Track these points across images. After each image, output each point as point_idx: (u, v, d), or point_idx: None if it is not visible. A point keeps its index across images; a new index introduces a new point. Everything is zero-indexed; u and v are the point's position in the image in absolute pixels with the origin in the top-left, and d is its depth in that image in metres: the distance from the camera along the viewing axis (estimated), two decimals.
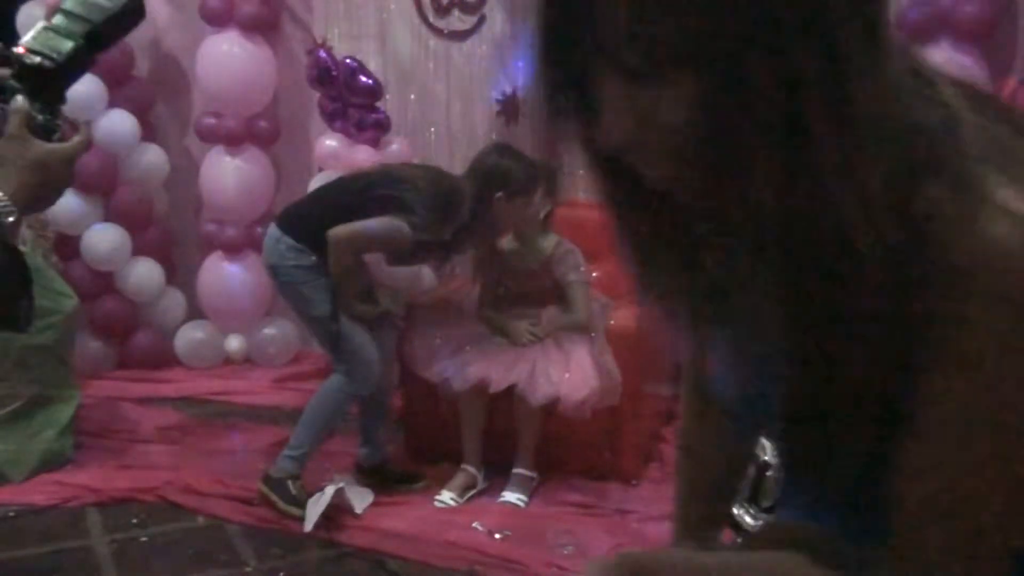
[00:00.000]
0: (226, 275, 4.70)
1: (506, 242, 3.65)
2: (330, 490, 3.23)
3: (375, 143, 4.23)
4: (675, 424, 4.16)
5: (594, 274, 3.62)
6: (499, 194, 3.34)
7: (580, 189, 4.23)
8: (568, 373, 3.36)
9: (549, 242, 3.61)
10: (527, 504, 3.39)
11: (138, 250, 4.62)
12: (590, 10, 0.75)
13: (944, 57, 3.38)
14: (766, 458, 2.26)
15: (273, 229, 3.32)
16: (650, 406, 3.79)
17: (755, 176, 0.75)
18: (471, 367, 3.40)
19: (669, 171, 0.81)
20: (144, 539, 3.14)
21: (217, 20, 4.49)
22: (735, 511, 2.31)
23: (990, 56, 3.45)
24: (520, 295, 3.64)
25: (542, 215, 3.59)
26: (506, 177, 3.34)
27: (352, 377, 3.33)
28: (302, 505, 3.25)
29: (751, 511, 2.29)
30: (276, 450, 3.47)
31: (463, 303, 3.85)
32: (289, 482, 3.32)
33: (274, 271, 3.34)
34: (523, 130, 4.47)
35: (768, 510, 2.24)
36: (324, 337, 3.37)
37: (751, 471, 2.30)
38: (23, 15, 4.28)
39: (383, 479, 3.52)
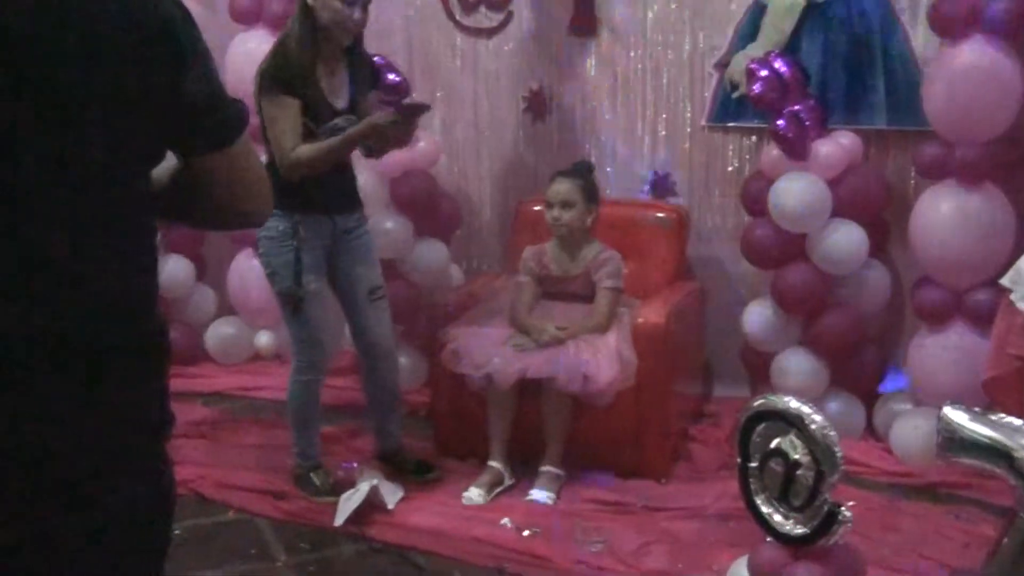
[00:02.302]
0: (256, 271, 4.70)
1: (549, 248, 3.67)
2: (364, 487, 3.26)
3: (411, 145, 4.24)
4: (703, 422, 4.21)
5: (623, 271, 3.63)
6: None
7: (607, 187, 4.25)
8: (595, 358, 3.37)
9: (593, 249, 3.62)
10: (555, 502, 3.39)
11: (169, 246, 4.65)
12: None
13: (976, 53, 3.35)
14: (796, 456, 2.26)
15: None
16: (678, 404, 3.79)
17: None
18: (513, 364, 3.41)
19: None
20: (176, 532, 3.15)
21: (246, 19, 4.51)
22: (765, 510, 2.32)
23: (1023, 51, 3.41)
24: (554, 293, 3.66)
25: (588, 223, 3.61)
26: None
27: (300, 360, 3.35)
28: (330, 492, 3.34)
29: (781, 509, 2.30)
30: None
31: (491, 302, 3.86)
32: (311, 475, 3.42)
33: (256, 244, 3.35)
34: (550, 127, 4.47)
35: (799, 508, 2.25)
36: (284, 313, 3.34)
37: (780, 469, 2.30)
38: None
39: (397, 468, 3.54)
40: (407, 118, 3.14)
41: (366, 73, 3.28)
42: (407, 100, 3.52)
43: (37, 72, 1.14)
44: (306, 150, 3.05)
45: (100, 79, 1.19)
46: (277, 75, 3.08)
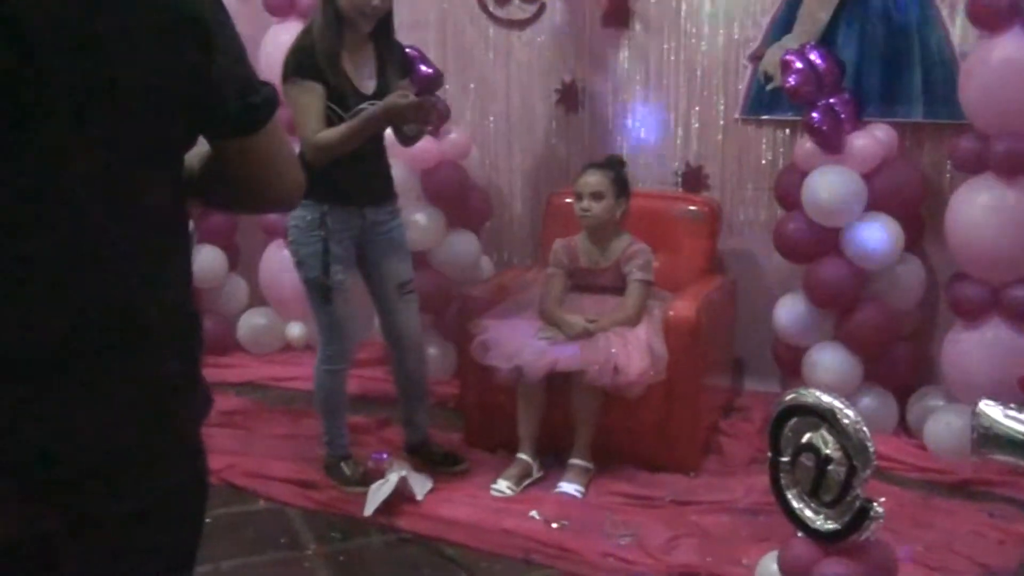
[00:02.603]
0: (288, 262, 4.71)
1: (579, 241, 3.66)
2: (393, 478, 3.27)
3: (435, 132, 4.25)
4: (734, 416, 4.19)
5: (653, 264, 3.61)
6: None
7: (639, 180, 4.23)
8: (625, 350, 3.36)
9: (623, 242, 3.61)
10: (584, 495, 3.39)
11: (202, 237, 4.69)
12: None
13: (1015, 45, 3.30)
14: (828, 452, 2.25)
15: None
16: (708, 398, 3.77)
17: None
18: (543, 356, 3.41)
19: None
20: (207, 521, 3.18)
21: (280, 11, 4.53)
22: (796, 505, 2.30)
23: None
24: (584, 286, 3.65)
25: (618, 215, 3.60)
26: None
27: (326, 350, 3.36)
28: (360, 482, 3.36)
29: (812, 505, 2.28)
30: None
31: (521, 294, 3.85)
32: (341, 464, 3.45)
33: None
34: (582, 119, 4.46)
35: (830, 504, 2.23)
36: (311, 303, 3.35)
37: (812, 464, 2.28)
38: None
39: (425, 460, 3.55)
40: (425, 96, 3.12)
41: (395, 59, 3.27)
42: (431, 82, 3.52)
43: (69, 59, 1.15)
44: (326, 134, 3.04)
45: (132, 64, 1.19)
46: (301, 61, 3.09)
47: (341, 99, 3.09)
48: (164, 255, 1.30)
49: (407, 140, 3.41)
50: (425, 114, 3.15)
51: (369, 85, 3.17)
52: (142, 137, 1.23)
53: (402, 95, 3.06)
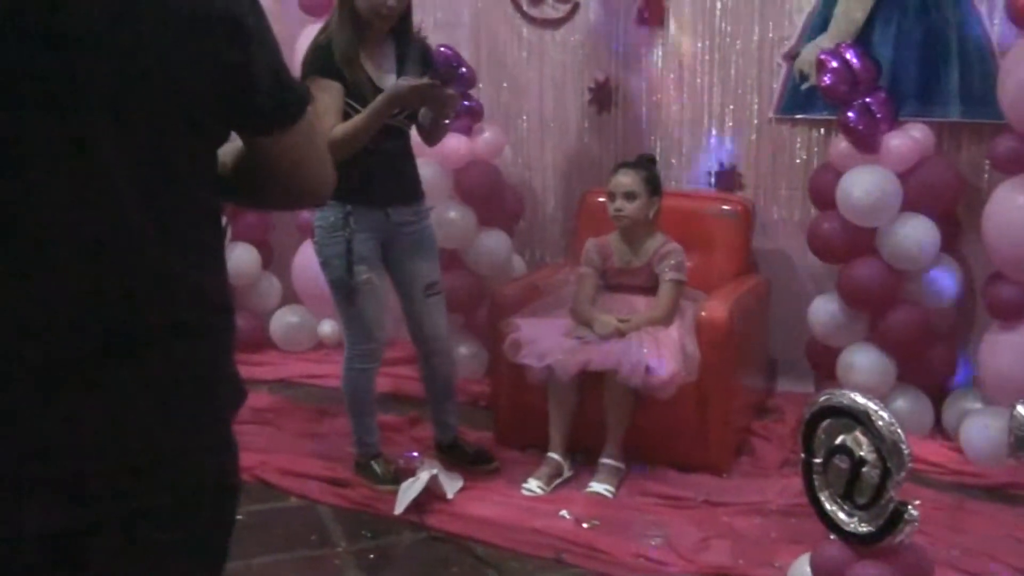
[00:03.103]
0: None
1: (612, 240, 3.65)
2: (424, 476, 3.27)
3: (467, 131, 4.25)
4: (767, 417, 4.15)
5: (686, 264, 3.60)
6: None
7: (672, 179, 4.22)
8: (657, 350, 3.35)
9: (656, 242, 3.60)
10: (615, 495, 3.38)
11: (236, 235, 4.72)
12: None
13: None
14: (862, 453, 2.22)
15: None
16: (741, 398, 3.75)
17: None
18: (575, 356, 3.40)
19: None
20: (239, 517, 3.20)
21: (315, 10, 4.55)
22: (829, 507, 2.28)
23: None
24: (617, 285, 3.65)
25: (651, 215, 3.59)
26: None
27: (352, 349, 3.36)
28: (391, 480, 3.37)
29: (845, 507, 2.26)
30: None
31: (553, 293, 3.85)
32: (372, 463, 3.45)
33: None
34: (615, 118, 4.45)
35: (863, 507, 2.21)
36: (336, 303, 3.35)
37: (845, 467, 2.26)
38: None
39: (456, 458, 3.56)
40: (433, 81, 3.10)
41: (415, 55, 3.27)
42: (444, 73, 3.50)
43: (104, 52, 1.17)
44: (340, 128, 3.02)
45: (167, 59, 1.21)
46: (319, 60, 3.09)
47: (360, 96, 3.09)
48: (199, 248, 1.31)
49: (429, 137, 3.38)
50: (437, 101, 3.12)
51: (388, 81, 3.16)
52: (177, 131, 1.24)
53: (408, 79, 3.05)
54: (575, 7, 4.43)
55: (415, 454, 3.59)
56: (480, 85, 4.44)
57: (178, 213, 1.26)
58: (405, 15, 3.20)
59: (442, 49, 4.17)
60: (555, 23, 4.49)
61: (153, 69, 1.20)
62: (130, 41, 1.18)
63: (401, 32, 3.22)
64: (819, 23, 3.99)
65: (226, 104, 1.28)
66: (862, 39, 3.84)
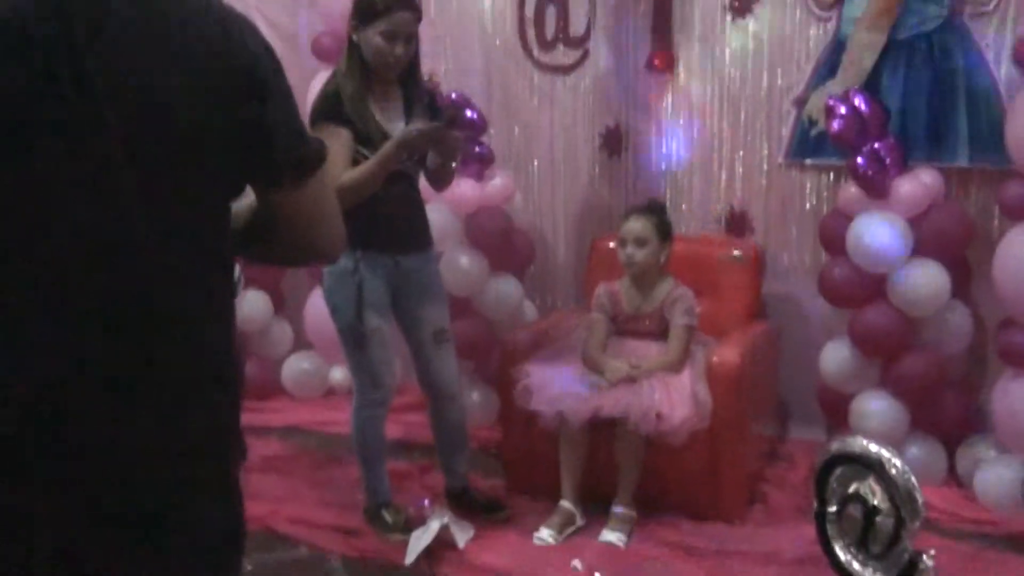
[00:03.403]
0: None
1: (623, 285, 3.65)
2: (435, 525, 3.25)
3: (478, 176, 4.27)
4: (779, 465, 4.11)
5: (697, 309, 3.59)
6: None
7: (683, 224, 4.22)
8: (668, 397, 3.34)
9: (666, 287, 3.60)
10: (627, 543, 3.35)
11: (248, 281, 4.73)
12: None
13: None
14: (875, 502, 2.20)
15: None
16: (753, 445, 3.73)
17: None
18: (586, 402, 3.39)
19: None
20: (248, 568, 3.19)
21: (327, 56, 4.60)
22: (843, 557, 2.26)
23: None
24: (627, 331, 3.64)
25: (662, 261, 3.59)
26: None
27: (362, 397, 3.35)
28: (401, 529, 3.35)
29: (860, 557, 2.24)
30: None
31: (564, 339, 3.84)
32: (382, 511, 3.43)
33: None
34: (625, 164, 4.47)
35: (878, 556, 2.18)
36: (346, 350, 3.34)
37: (859, 515, 2.24)
38: None
39: (467, 506, 3.53)
40: (439, 124, 3.12)
41: (423, 102, 3.30)
42: (447, 114, 3.52)
43: (132, 105, 1.18)
44: (348, 175, 3.02)
45: (192, 111, 1.22)
46: (328, 107, 3.11)
47: (370, 142, 3.10)
48: (212, 297, 1.31)
49: (437, 182, 3.39)
50: (444, 145, 3.13)
51: (396, 127, 3.18)
52: (195, 181, 1.25)
53: (414, 126, 3.07)
54: (585, 54, 4.46)
55: (426, 502, 3.57)
56: (491, 131, 4.47)
57: (193, 263, 1.27)
58: (412, 63, 3.22)
59: (453, 96, 4.20)
60: (566, 69, 4.52)
61: (174, 119, 1.21)
62: (154, 91, 1.20)
63: (408, 79, 3.25)
64: (827, 69, 4.01)
65: (243, 156, 1.29)
66: (870, 85, 3.86)
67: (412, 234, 3.34)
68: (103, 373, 1.21)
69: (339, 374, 4.85)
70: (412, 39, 3.16)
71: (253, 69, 1.28)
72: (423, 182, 3.39)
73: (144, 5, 1.21)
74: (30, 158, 1.16)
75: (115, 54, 1.18)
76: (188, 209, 1.26)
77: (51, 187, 1.17)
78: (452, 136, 3.13)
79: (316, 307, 4.80)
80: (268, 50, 1.32)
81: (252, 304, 4.74)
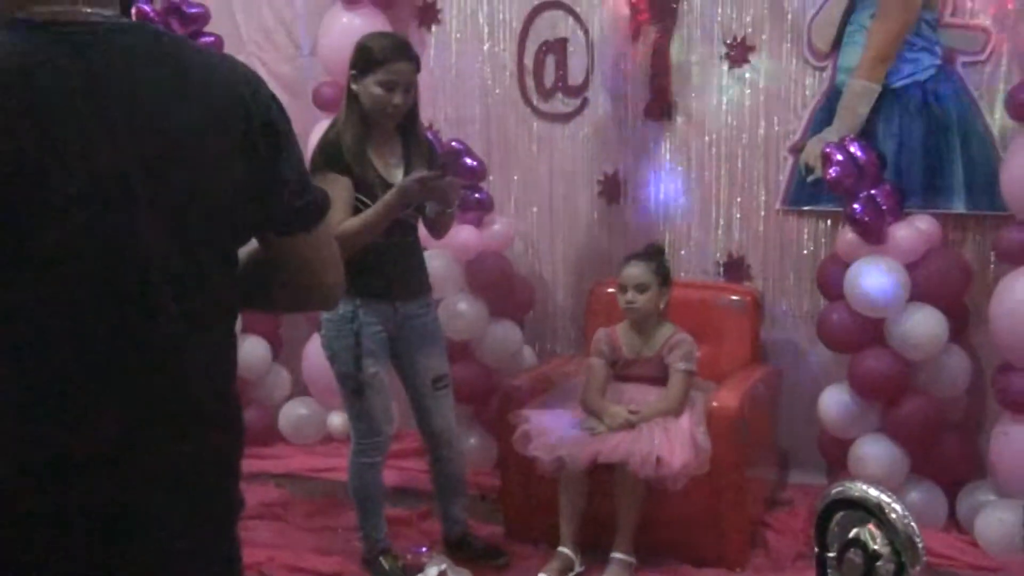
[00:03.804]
0: None
1: (622, 330, 3.66)
2: (433, 572, 3.26)
3: (478, 223, 4.30)
4: (779, 510, 4.10)
5: (696, 354, 3.60)
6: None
7: (681, 270, 4.24)
8: (668, 441, 3.33)
9: (665, 332, 3.61)
10: None
11: (246, 327, 4.74)
12: None
13: None
14: (876, 547, 2.20)
15: None
16: (753, 491, 3.72)
17: None
18: (586, 447, 3.39)
19: None
20: None
21: (329, 106, 4.64)
22: None
23: None
24: (627, 376, 3.65)
25: (661, 306, 3.61)
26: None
27: (360, 444, 3.33)
28: None
29: None
30: None
31: (563, 385, 3.85)
32: (380, 558, 3.42)
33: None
34: (624, 210, 4.50)
35: None
36: (344, 397, 3.34)
37: (860, 561, 2.23)
38: None
39: (465, 553, 3.52)
40: (437, 172, 3.13)
41: (422, 150, 3.33)
42: (442, 159, 3.54)
43: (154, 154, 1.21)
44: (348, 223, 3.03)
45: (207, 158, 1.25)
46: (328, 155, 3.13)
47: (369, 190, 3.12)
48: (218, 344, 1.33)
49: (434, 229, 3.40)
50: (442, 192, 3.14)
51: (396, 175, 3.20)
52: (208, 228, 1.27)
53: (415, 175, 3.08)
54: (584, 102, 4.51)
55: (423, 549, 3.55)
56: (491, 178, 4.50)
57: (205, 311, 1.29)
58: (411, 112, 3.26)
59: (453, 143, 4.24)
60: (565, 117, 4.56)
61: (190, 165, 1.24)
62: (174, 139, 1.23)
63: (407, 128, 3.28)
64: (824, 117, 4.05)
65: (255, 203, 1.32)
66: (866, 133, 3.90)
67: (411, 281, 3.36)
68: (112, 416, 1.21)
69: (337, 420, 4.84)
70: (411, 88, 3.19)
71: (269, 119, 1.32)
72: (422, 229, 3.41)
73: (167, 61, 1.25)
74: (48, 220, 1.18)
75: (137, 105, 1.21)
76: (201, 255, 1.28)
77: (67, 237, 1.18)
78: (451, 183, 3.15)
79: (314, 353, 4.80)
80: (277, 100, 1.36)
81: (250, 350, 4.74)
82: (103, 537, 1.21)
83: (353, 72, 3.17)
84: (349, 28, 4.31)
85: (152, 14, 4.29)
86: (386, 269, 3.21)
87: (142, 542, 1.24)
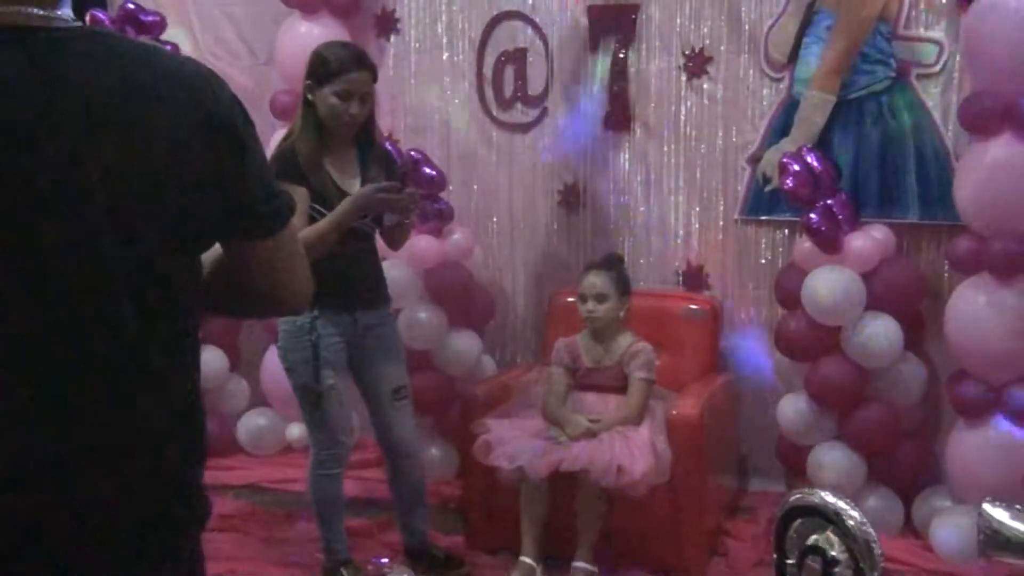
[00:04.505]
0: None
1: (582, 340, 3.67)
2: None
3: (437, 233, 4.30)
4: (739, 517, 4.13)
5: (656, 363, 3.62)
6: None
7: (640, 279, 4.26)
8: (629, 450, 3.34)
9: (625, 341, 3.62)
10: None
11: (204, 338, 4.69)
12: None
13: (1007, 148, 3.36)
14: (834, 554, 2.21)
15: None
16: (713, 498, 3.74)
17: None
18: (546, 457, 3.39)
19: None
20: None
21: (287, 115, 4.61)
22: None
23: None
24: (587, 385, 3.65)
25: (621, 315, 3.62)
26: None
27: (319, 455, 3.31)
28: None
29: None
30: None
31: (524, 394, 3.85)
32: (341, 569, 3.39)
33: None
34: (583, 220, 4.51)
35: None
36: (302, 408, 3.31)
37: (818, 567, 2.24)
38: None
39: (426, 563, 3.51)
40: (395, 183, 3.13)
41: (379, 159, 3.31)
42: (400, 169, 3.54)
43: (116, 158, 1.20)
44: (304, 232, 2.98)
45: (173, 164, 1.24)
46: (284, 165, 3.09)
47: (325, 200, 3.10)
48: (182, 352, 1.32)
49: (391, 240, 3.40)
50: (400, 202, 3.13)
51: (352, 185, 3.18)
52: (173, 234, 1.26)
53: (371, 185, 3.08)
54: (544, 112, 4.52)
55: (384, 560, 3.53)
56: (450, 187, 4.50)
57: (171, 322, 1.27)
58: (367, 122, 3.24)
59: (412, 153, 4.24)
60: (524, 127, 4.57)
61: (151, 170, 1.23)
62: (136, 145, 1.21)
63: (364, 138, 3.27)
64: (780, 128, 4.09)
65: (218, 208, 1.30)
66: (822, 143, 3.95)
67: (369, 291, 3.34)
68: (75, 431, 1.20)
69: (296, 431, 4.80)
70: (367, 98, 3.18)
71: (232, 123, 1.31)
72: (379, 240, 3.40)
73: (127, 65, 1.23)
74: (15, 219, 1.16)
75: (95, 111, 1.19)
76: (164, 260, 1.26)
77: (32, 243, 1.17)
78: (408, 193, 3.15)
79: (273, 363, 4.75)
80: (240, 104, 1.35)
81: (208, 360, 4.69)
82: (60, 554, 1.20)
83: (309, 82, 3.15)
84: (307, 37, 4.29)
85: (107, 22, 4.25)
86: (344, 279, 3.18)
87: (98, 560, 1.22)
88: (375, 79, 3.21)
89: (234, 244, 1.38)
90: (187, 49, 4.49)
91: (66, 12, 1.24)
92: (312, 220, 3.07)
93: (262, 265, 1.39)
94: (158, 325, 1.26)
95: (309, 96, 3.16)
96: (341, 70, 3.10)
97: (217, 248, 1.38)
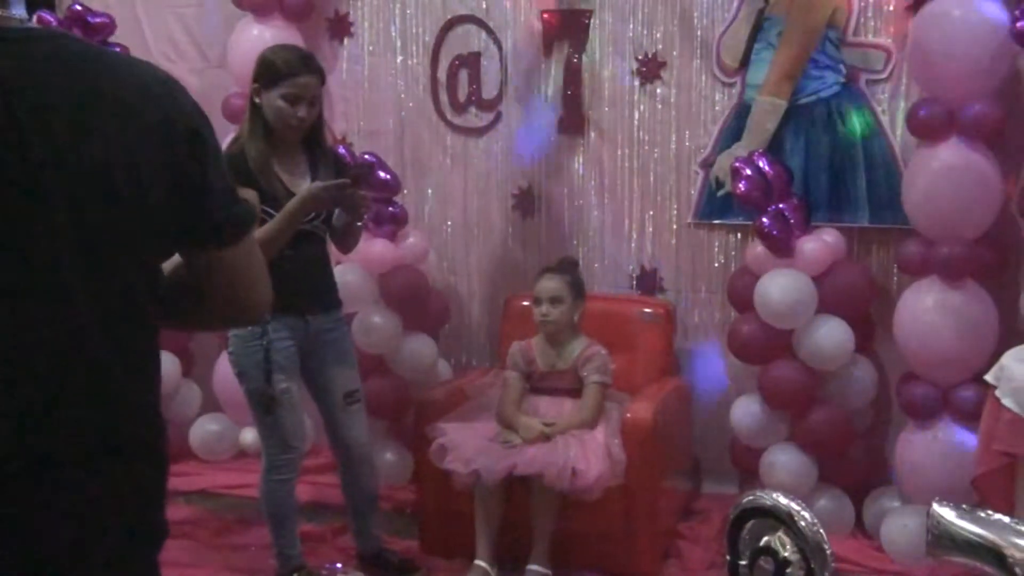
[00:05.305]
0: None
1: (537, 344, 3.68)
2: None
3: (392, 236, 4.28)
4: (693, 519, 4.15)
5: (610, 366, 3.63)
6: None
7: (595, 283, 4.28)
8: (583, 453, 3.35)
9: (580, 345, 3.63)
10: None
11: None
12: None
13: (953, 154, 3.41)
14: (786, 554, 2.23)
15: None
16: (667, 501, 3.76)
17: None
18: (501, 460, 3.39)
19: None
20: None
21: (239, 118, 4.56)
22: None
23: (1000, 154, 3.49)
24: (542, 389, 3.66)
25: (575, 319, 3.63)
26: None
27: (271, 460, 3.29)
28: None
29: None
30: None
31: (479, 398, 3.85)
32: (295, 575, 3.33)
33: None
34: (538, 224, 4.52)
35: None
36: (254, 414, 3.28)
37: (770, 568, 2.26)
38: None
39: (380, 568, 3.49)
40: (344, 181, 3.11)
41: (328, 161, 3.30)
42: (356, 171, 3.52)
43: (72, 167, 1.18)
44: (255, 234, 2.98)
45: (134, 169, 1.22)
46: (233, 168, 3.04)
47: (275, 202, 3.07)
48: (144, 358, 1.30)
49: (343, 243, 3.38)
50: (350, 202, 3.12)
51: (302, 187, 3.15)
52: (135, 243, 1.24)
53: (320, 183, 3.06)
54: (498, 116, 4.52)
55: (338, 565, 3.51)
56: (405, 191, 4.48)
57: (133, 331, 1.26)
58: (316, 124, 3.23)
59: (367, 156, 4.22)
60: (478, 131, 4.57)
61: (110, 175, 1.21)
62: (94, 150, 1.19)
63: (312, 141, 3.25)
64: (733, 133, 4.13)
65: (183, 215, 1.29)
66: (774, 148, 3.99)
67: (321, 295, 3.33)
68: (36, 443, 1.18)
69: (249, 436, 4.76)
70: (316, 102, 3.17)
71: (192, 127, 1.29)
72: (330, 243, 3.38)
73: (85, 69, 1.21)
74: None
75: (51, 115, 1.17)
76: (125, 268, 1.25)
77: None
78: (358, 194, 3.13)
79: (225, 368, 4.70)
80: (199, 108, 1.33)
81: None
82: (8, 564, 1.18)
83: (256, 85, 3.13)
84: (259, 40, 4.26)
85: (55, 23, 4.19)
86: (295, 283, 3.15)
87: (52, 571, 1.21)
88: (323, 82, 3.20)
89: (195, 252, 1.36)
90: (138, 52, 4.44)
91: (20, 12, 1.22)
92: (263, 222, 3.05)
93: (222, 274, 1.37)
94: (119, 335, 1.24)
95: (256, 99, 3.14)
96: (288, 73, 3.08)
97: (175, 258, 1.37)
